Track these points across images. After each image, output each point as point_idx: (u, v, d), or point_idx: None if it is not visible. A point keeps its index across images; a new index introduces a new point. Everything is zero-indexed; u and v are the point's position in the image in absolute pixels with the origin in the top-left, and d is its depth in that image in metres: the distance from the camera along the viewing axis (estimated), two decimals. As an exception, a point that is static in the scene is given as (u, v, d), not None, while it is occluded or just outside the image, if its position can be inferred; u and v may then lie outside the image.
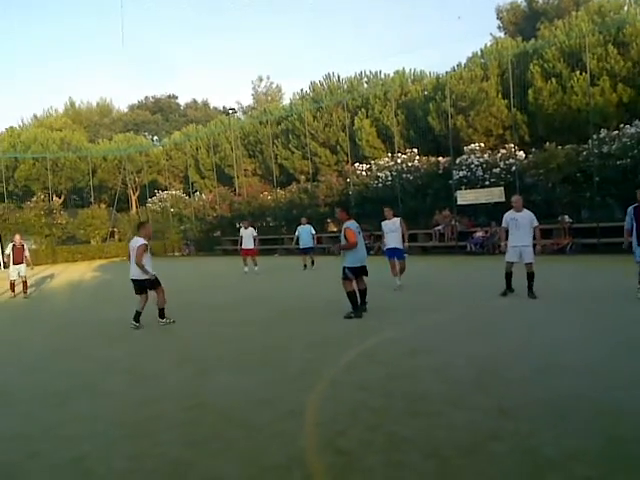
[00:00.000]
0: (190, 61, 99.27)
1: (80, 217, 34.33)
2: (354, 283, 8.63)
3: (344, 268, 8.52)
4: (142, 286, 8.89)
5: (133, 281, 8.92)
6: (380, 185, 23.53)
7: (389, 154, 24.83)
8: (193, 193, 34.56)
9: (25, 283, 14.95)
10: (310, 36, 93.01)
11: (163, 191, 35.91)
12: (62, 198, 38.70)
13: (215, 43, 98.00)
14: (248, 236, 17.42)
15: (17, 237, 15.14)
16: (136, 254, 8.68)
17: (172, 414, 4.80)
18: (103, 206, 37.99)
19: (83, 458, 3.97)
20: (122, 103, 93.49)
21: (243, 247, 17.44)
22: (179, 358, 6.87)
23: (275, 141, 31.14)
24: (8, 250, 14.95)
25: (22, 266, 14.69)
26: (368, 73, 30.99)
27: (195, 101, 67.18)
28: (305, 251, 17.61)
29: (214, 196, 32.00)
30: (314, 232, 18.03)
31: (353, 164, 25.49)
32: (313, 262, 17.64)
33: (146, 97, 66.67)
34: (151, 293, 8.96)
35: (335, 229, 28.03)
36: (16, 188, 36.99)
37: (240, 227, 18.30)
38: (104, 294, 15.21)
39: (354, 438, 4.01)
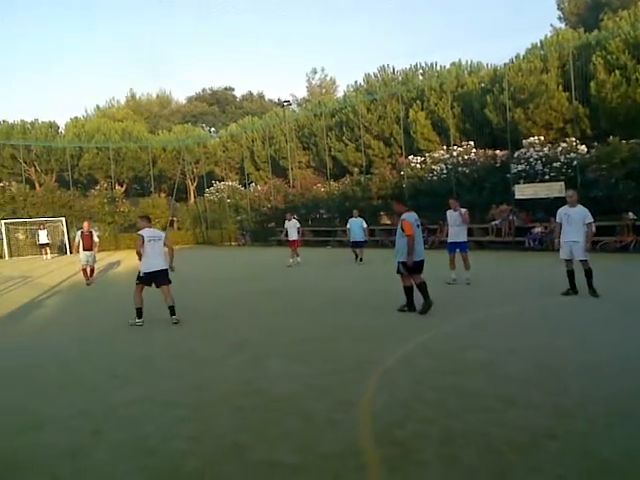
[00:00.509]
0: (246, 53, 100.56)
1: (141, 206, 35.44)
2: (412, 278, 8.35)
3: (398, 263, 8.26)
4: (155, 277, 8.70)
5: (155, 273, 8.63)
6: (435, 178, 23.24)
7: (444, 147, 24.49)
8: (249, 184, 35.13)
9: (92, 270, 15.13)
10: (365, 28, 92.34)
11: (220, 182, 36.67)
12: (124, 187, 40.07)
13: (271, 35, 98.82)
14: (292, 228, 17.63)
15: (85, 224, 15.31)
16: (136, 244, 8.74)
17: (229, 399, 4.97)
18: (163, 195, 39.12)
19: (145, 438, 4.16)
20: (180, 95, 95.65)
21: (289, 239, 17.67)
22: (234, 344, 7.08)
23: (329, 133, 31.20)
24: (77, 237, 14.96)
25: (91, 253, 14.80)
26: (423, 65, 30.57)
27: (251, 93, 68.04)
28: (355, 245, 17.32)
29: (269, 187, 32.43)
30: (365, 225, 17.52)
31: (407, 157, 25.27)
32: (361, 259, 17.09)
33: (203, 89, 68.12)
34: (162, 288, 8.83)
35: (389, 222, 27.93)
36: (81, 176, 38.57)
37: (285, 220, 18.45)
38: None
39: (409, 430, 4.06)
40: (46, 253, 28.05)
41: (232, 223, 33.62)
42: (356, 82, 33.83)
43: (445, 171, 22.97)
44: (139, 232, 8.79)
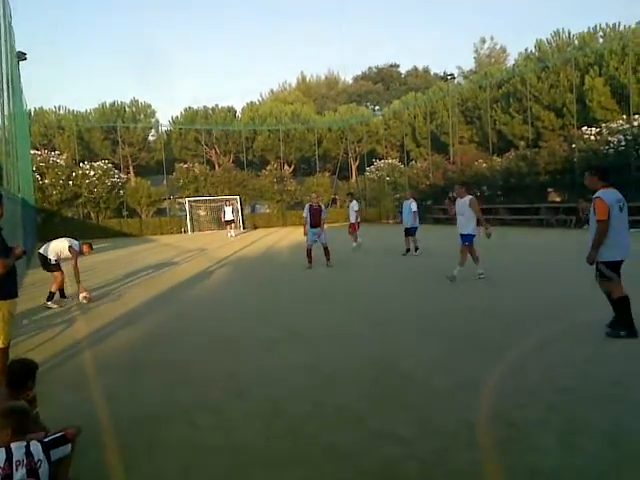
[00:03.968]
0: (410, 26, 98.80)
1: (306, 184, 37.24)
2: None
3: (597, 264, 5.91)
4: None
5: None
6: (611, 151, 21.07)
7: (623, 116, 22.04)
8: (408, 162, 34.98)
9: (325, 249, 12.84)
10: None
11: (380, 160, 37.06)
12: (292, 167, 42.35)
13: (437, 6, 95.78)
14: (352, 210, 17.04)
15: (314, 195, 13.88)
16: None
17: (358, 370, 5.23)
18: (327, 174, 40.64)
19: (277, 399, 4.56)
20: (348, 75, 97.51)
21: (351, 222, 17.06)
22: (376, 321, 7.34)
23: (494, 106, 29.78)
24: (305, 212, 12.82)
25: (320, 230, 12.68)
26: (604, 26, 27.54)
27: (416, 68, 67.11)
28: (406, 232, 14.78)
29: (428, 164, 32.01)
30: (415, 209, 14.74)
31: (580, 128, 23.21)
32: (416, 248, 14.48)
33: (369, 68, 68.75)
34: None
35: (558, 199, 26.05)
36: (254, 157, 41.54)
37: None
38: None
39: (531, 415, 3.96)
40: (231, 229, 27.53)
41: (390, 201, 33.85)
42: (527, 50, 31.71)
43: (623, 143, 20.71)
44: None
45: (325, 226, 12.84)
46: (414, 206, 14.68)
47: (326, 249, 12.80)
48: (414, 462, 3.39)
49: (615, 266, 5.81)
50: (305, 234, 12.74)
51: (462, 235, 9.91)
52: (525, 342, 5.86)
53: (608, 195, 5.80)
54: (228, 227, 27.69)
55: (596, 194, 5.88)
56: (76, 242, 9.72)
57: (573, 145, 22.83)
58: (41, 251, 9.60)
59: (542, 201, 23.74)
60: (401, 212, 15.48)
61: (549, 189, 24.95)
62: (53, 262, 9.52)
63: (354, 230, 16.92)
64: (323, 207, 12.90)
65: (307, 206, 12.81)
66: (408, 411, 4.20)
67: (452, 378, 4.85)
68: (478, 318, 7.10)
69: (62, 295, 9.82)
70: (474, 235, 9.89)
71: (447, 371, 5.06)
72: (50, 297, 9.44)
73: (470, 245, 9.89)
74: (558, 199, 25.91)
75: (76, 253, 9.45)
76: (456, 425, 3.87)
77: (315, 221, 12.57)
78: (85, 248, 9.76)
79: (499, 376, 4.85)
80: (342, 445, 3.68)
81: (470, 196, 10.02)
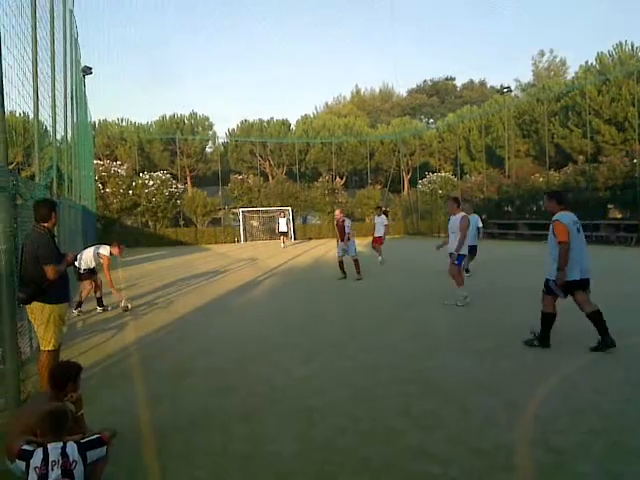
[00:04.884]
0: (467, 38, 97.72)
1: (357, 197, 37.26)
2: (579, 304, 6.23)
3: (547, 280, 6.25)
4: None
5: None
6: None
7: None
8: (462, 175, 34.49)
9: (356, 262, 12.99)
10: (600, 3, 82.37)
11: (433, 173, 36.71)
12: (344, 179, 42.51)
13: (495, 20, 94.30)
14: (380, 223, 16.36)
15: (337, 212, 13.82)
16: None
17: (395, 384, 5.20)
18: (378, 187, 40.50)
19: (311, 410, 4.60)
20: (402, 89, 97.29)
21: (374, 235, 16.42)
22: (414, 333, 7.29)
23: (552, 119, 28.99)
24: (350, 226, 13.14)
25: (348, 244, 12.96)
26: (671, 35, 26.43)
27: (472, 81, 66.36)
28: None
29: (482, 178, 31.45)
30: (480, 225, 13.32)
31: (644, 142, 22.29)
32: (467, 269, 11.92)
33: (424, 81, 68.52)
34: None
35: (619, 216, 25.02)
36: (307, 170, 41.98)
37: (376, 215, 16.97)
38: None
39: (573, 439, 3.83)
40: (284, 242, 27.53)
41: (442, 214, 33.40)
42: (587, 62, 30.80)
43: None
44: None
45: (353, 239, 13.03)
46: (480, 221, 13.45)
47: (356, 262, 12.94)
48: (446, 481, 3.34)
49: (573, 284, 6.08)
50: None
51: (451, 254, 9.35)
52: (573, 363, 5.68)
53: (566, 217, 6.18)
54: (282, 238, 27.87)
55: (555, 217, 6.22)
56: (106, 246, 9.79)
57: (635, 160, 21.94)
58: (75, 263, 9.56)
59: (602, 217, 22.87)
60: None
61: (609, 205, 24.02)
62: (82, 272, 9.53)
63: (379, 244, 16.50)
64: (347, 222, 13.05)
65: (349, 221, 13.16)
66: (445, 429, 4.14)
67: (494, 397, 4.75)
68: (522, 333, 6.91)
69: (100, 304, 9.82)
70: (465, 255, 9.43)
71: (489, 389, 4.95)
72: (99, 302, 9.72)
73: (459, 265, 9.38)
74: (619, 216, 24.89)
75: (107, 258, 9.53)
76: (495, 446, 3.78)
77: (341, 236, 12.99)
78: (114, 250, 9.74)
79: (544, 397, 4.71)
80: (375, 460, 3.66)
81: (463, 213, 9.45)
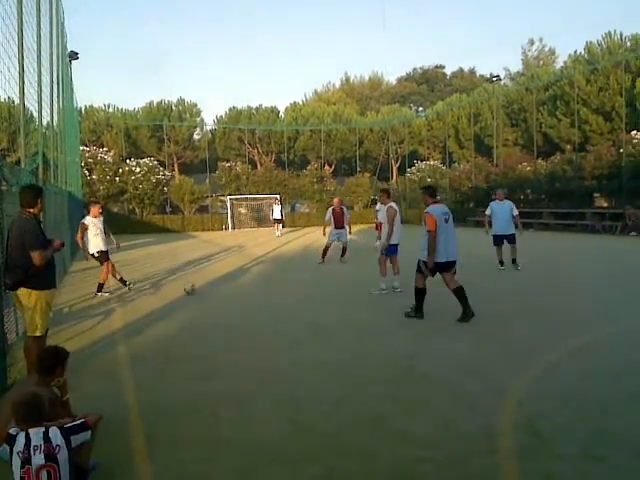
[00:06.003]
0: (457, 26, 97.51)
1: (346, 185, 37.26)
2: (446, 282, 7.17)
3: (419, 261, 7.23)
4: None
5: None
6: (662, 156, 20.35)
7: (678, 120, 21.25)
8: (450, 163, 34.58)
9: (344, 249, 13.90)
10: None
11: (422, 161, 36.75)
12: (332, 167, 42.46)
13: (484, 6, 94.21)
14: (382, 211, 16.47)
15: (336, 200, 14.21)
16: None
17: (384, 369, 5.25)
18: (367, 175, 40.52)
19: (299, 396, 4.62)
20: (391, 77, 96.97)
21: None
22: (403, 320, 7.31)
23: (540, 108, 29.13)
24: (328, 215, 13.89)
25: (343, 231, 13.73)
26: (660, 25, 26.55)
27: (461, 70, 66.29)
28: (500, 239, 11.80)
29: (470, 166, 31.58)
30: (516, 212, 11.85)
31: (629, 132, 22.49)
32: (514, 260, 11.61)
33: (414, 69, 68.32)
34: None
35: (605, 205, 25.29)
36: (295, 157, 41.90)
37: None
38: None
39: (556, 424, 3.89)
40: (278, 229, 26.94)
41: (431, 203, 33.49)
42: (576, 52, 30.95)
43: (677, 148, 19.93)
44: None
45: (348, 227, 13.89)
46: (515, 209, 11.89)
47: (344, 248, 13.94)
48: (430, 464, 3.39)
49: (440, 266, 7.04)
50: (324, 234, 14.07)
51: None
52: (559, 348, 5.75)
53: (436, 210, 7.13)
54: (276, 225, 27.18)
55: (426, 209, 7.19)
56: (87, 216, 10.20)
57: (621, 150, 22.15)
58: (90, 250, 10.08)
59: (588, 206, 23.11)
60: (488, 214, 12.28)
61: (595, 194, 24.28)
62: (96, 254, 9.92)
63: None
64: (345, 210, 13.96)
65: (330, 210, 13.87)
66: (430, 413, 4.19)
67: (479, 382, 4.81)
68: (510, 318, 7.00)
69: (123, 283, 10.37)
70: (396, 245, 9.45)
71: (474, 375, 5.01)
72: (99, 288, 9.90)
73: (392, 254, 9.49)
74: (605, 205, 25.16)
75: (83, 225, 9.93)
76: (479, 430, 3.84)
77: (339, 223, 13.66)
78: (93, 211, 10.11)
79: (529, 382, 4.78)
80: (360, 444, 3.70)
81: (391, 203, 9.51)
